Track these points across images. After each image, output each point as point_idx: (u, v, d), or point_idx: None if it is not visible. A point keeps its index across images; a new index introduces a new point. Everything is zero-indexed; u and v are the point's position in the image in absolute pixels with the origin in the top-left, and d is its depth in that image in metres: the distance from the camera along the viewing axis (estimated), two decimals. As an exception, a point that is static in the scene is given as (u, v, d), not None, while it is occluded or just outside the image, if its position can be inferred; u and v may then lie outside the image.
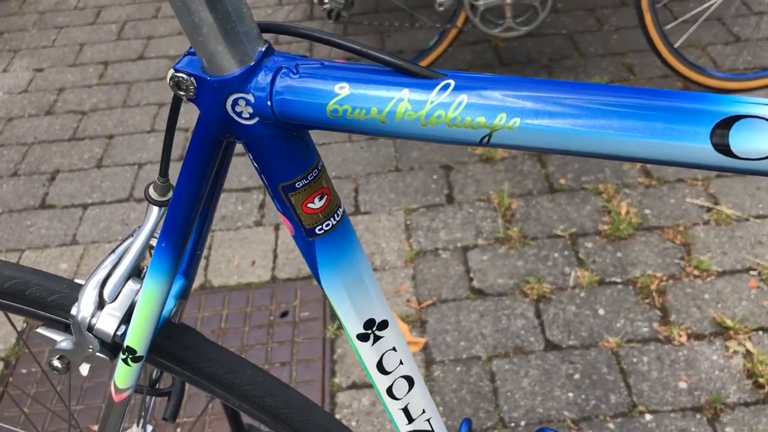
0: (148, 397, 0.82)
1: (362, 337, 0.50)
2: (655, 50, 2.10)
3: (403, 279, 1.79)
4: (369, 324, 0.50)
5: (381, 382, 0.52)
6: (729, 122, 0.33)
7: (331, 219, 0.45)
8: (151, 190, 0.55)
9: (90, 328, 0.54)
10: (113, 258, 0.56)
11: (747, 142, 0.33)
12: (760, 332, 1.55)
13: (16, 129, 2.42)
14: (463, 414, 1.48)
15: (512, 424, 1.45)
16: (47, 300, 0.57)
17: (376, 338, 0.50)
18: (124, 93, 2.53)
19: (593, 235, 1.82)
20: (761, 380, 1.45)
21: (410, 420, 0.55)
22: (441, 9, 2.14)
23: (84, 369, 0.59)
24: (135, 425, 0.91)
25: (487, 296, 1.71)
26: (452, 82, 0.36)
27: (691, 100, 0.34)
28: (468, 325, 1.65)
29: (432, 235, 1.89)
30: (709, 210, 1.85)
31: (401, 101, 0.37)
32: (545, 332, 1.61)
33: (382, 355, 0.51)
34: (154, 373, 0.78)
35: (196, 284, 1.84)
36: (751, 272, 1.68)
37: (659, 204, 1.88)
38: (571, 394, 1.49)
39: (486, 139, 0.37)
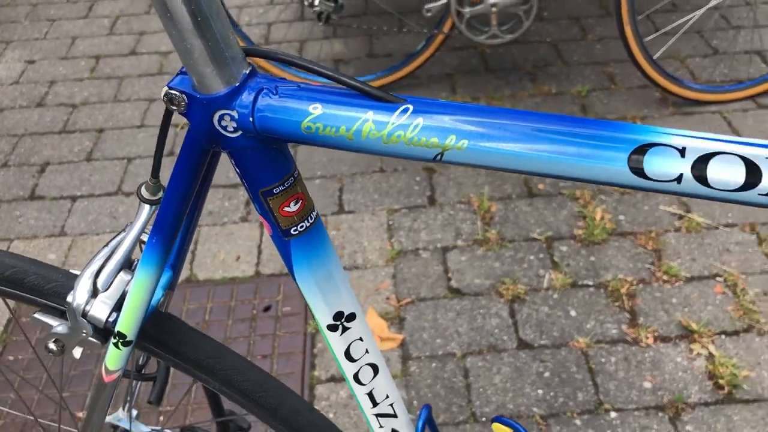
0: (134, 382, 0.87)
1: (332, 328, 0.55)
2: (635, 61, 2.17)
3: (384, 277, 1.84)
4: (338, 316, 0.55)
5: (348, 368, 0.58)
6: (644, 149, 0.39)
7: (305, 221, 0.50)
8: (143, 189, 0.60)
9: (84, 314, 0.59)
10: (107, 251, 0.61)
11: (658, 166, 0.39)
12: (723, 336, 1.62)
13: (7, 120, 2.46)
14: (438, 407, 1.54)
15: (483, 419, 1.51)
16: (45, 288, 0.62)
17: (345, 329, 0.56)
18: (115, 87, 2.57)
19: (568, 239, 1.89)
20: (721, 381, 1.52)
21: (375, 404, 0.61)
22: (428, 15, 2.19)
23: (77, 352, 0.64)
24: (121, 409, 0.96)
25: (464, 296, 1.77)
26: (410, 107, 0.42)
27: (612, 129, 0.40)
28: (444, 323, 1.71)
29: (413, 235, 1.95)
30: (680, 218, 1.92)
31: (366, 122, 0.42)
32: (518, 331, 1.67)
33: (350, 344, 0.57)
34: (141, 359, 0.83)
35: (182, 277, 1.89)
36: (718, 279, 1.75)
37: (633, 211, 1.95)
38: (540, 391, 1.55)
39: (439, 157, 0.42)
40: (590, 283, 1.77)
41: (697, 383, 1.54)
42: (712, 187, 0.38)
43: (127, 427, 0.96)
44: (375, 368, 0.59)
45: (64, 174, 2.22)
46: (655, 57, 2.17)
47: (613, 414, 1.50)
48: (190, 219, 0.63)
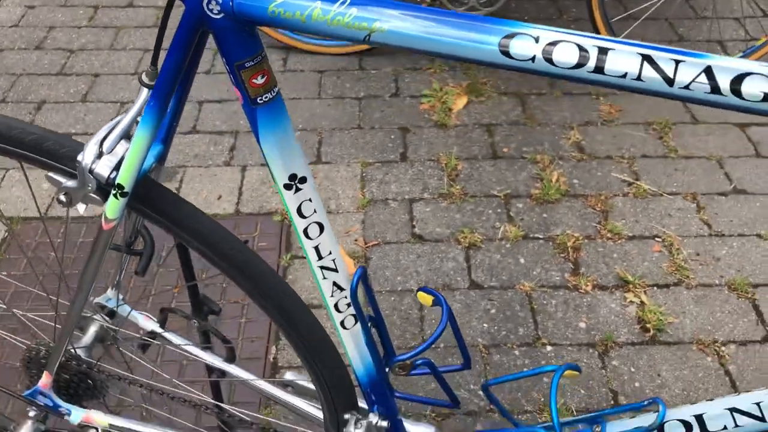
0: (123, 257, 1.02)
1: (287, 187, 0.70)
2: (601, 40, 2.32)
3: (354, 222, 2.00)
4: (292, 177, 0.70)
5: (300, 224, 0.73)
6: (510, 36, 0.54)
7: (269, 93, 0.65)
8: (143, 75, 0.74)
9: (90, 171, 0.74)
10: (111, 124, 0.76)
11: (519, 49, 0.54)
12: (655, 288, 1.80)
13: (6, 60, 2.58)
14: (394, 334, 1.70)
15: (431, 345, 1.67)
16: (59, 152, 0.77)
17: (297, 189, 0.71)
18: (111, 36, 2.70)
19: (525, 197, 2.05)
20: (648, 326, 1.70)
21: (320, 257, 0.76)
22: (411, -16, 2.33)
23: (81, 208, 0.79)
24: (110, 289, 1.12)
25: (425, 241, 1.93)
26: (348, 0, 0.57)
27: (490, 22, 0.55)
28: (406, 264, 1.88)
29: (384, 186, 2.10)
30: (630, 184, 2.09)
31: (315, 8, 0.58)
32: (471, 274, 1.84)
33: (301, 203, 0.72)
34: (130, 236, 0.98)
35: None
36: (657, 239, 1.93)
37: (587, 176, 2.12)
38: (485, 325, 1.72)
39: (367, 38, 0.58)
40: (540, 236, 1.94)
41: (626, 326, 1.71)
42: (555, 65, 0.54)
43: (114, 307, 1.12)
44: (321, 227, 0.74)
45: (60, 113, 2.35)
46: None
47: (548, 348, 1.67)
48: (178, 100, 0.78)
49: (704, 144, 2.22)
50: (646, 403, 0.85)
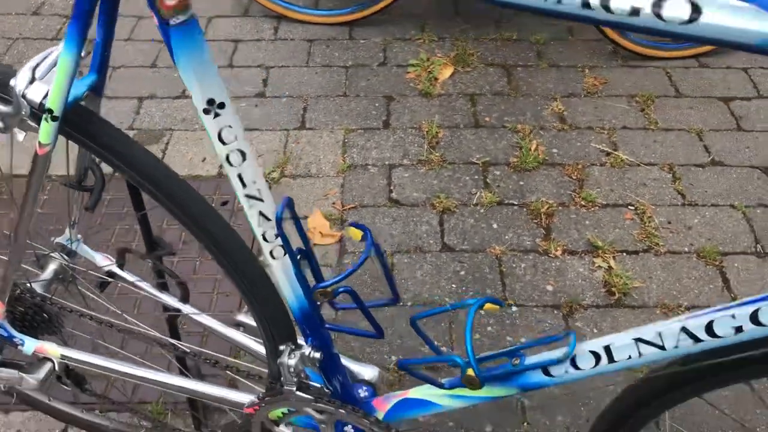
0: (75, 194, 1.06)
1: (206, 111, 0.73)
2: (587, 12, 2.32)
3: (333, 186, 2.03)
4: (210, 102, 0.73)
5: (221, 150, 0.76)
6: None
7: (182, 15, 0.68)
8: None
9: (23, 96, 0.77)
10: (46, 52, 0.80)
11: None
12: (624, 254, 1.82)
13: (2, 24, 2.62)
14: (364, 293, 1.73)
15: (400, 304, 1.71)
16: (-5, 79, 0.80)
17: (216, 114, 0.74)
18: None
19: (503, 165, 2.07)
20: (614, 290, 1.72)
21: (244, 185, 0.79)
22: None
23: (20, 136, 0.83)
24: (67, 229, 1.16)
25: (401, 205, 1.96)
26: None
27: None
28: (381, 226, 1.91)
29: (365, 152, 2.13)
30: (608, 154, 2.10)
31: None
32: (444, 237, 1.87)
33: (221, 129, 0.75)
34: (80, 172, 1.02)
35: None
36: (630, 207, 1.94)
37: (566, 146, 2.13)
38: (453, 286, 1.75)
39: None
40: (515, 202, 1.96)
41: (593, 290, 1.74)
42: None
43: (70, 245, 1.16)
44: (243, 154, 0.77)
45: (52, 76, 2.39)
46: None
47: (514, 308, 1.70)
48: (105, 29, 0.81)
49: (686, 117, 2.23)
50: (561, 335, 0.88)
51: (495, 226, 1.90)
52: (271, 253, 0.86)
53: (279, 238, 0.85)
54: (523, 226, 1.89)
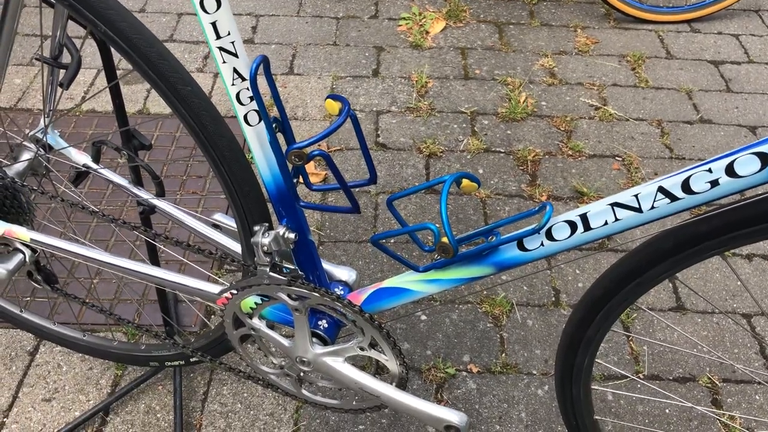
0: (53, 71, 1.04)
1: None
2: (581, -29, 2.32)
3: (319, 129, 2.01)
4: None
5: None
6: None
7: None
8: None
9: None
10: None
11: None
12: (609, 201, 1.81)
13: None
14: (347, 229, 1.72)
15: (392, 241, 1.69)
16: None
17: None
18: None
19: (491, 115, 2.06)
20: (597, 233, 1.71)
21: (218, 36, 0.78)
22: None
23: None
24: (42, 120, 1.13)
25: (387, 149, 1.95)
26: None
27: None
28: (366, 168, 1.89)
29: (353, 99, 2.12)
30: (597, 108, 2.09)
31: None
32: (429, 180, 1.85)
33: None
34: (56, 50, 1.00)
35: (134, 109, 2.05)
36: (617, 158, 1.93)
37: (555, 99, 2.12)
38: (439, 225, 1.73)
39: None
40: (502, 150, 1.95)
41: (576, 233, 1.72)
42: None
43: (48, 140, 1.13)
44: (218, 0, 0.76)
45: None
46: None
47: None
48: None
49: (676, 77, 2.22)
50: (536, 209, 0.87)
51: (481, 171, 1.89)
52: (245, 118, 0.84)
53: (254, 101, 0.83)
54: (509, 172, 1.88)
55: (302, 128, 2.01)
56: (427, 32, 2.36)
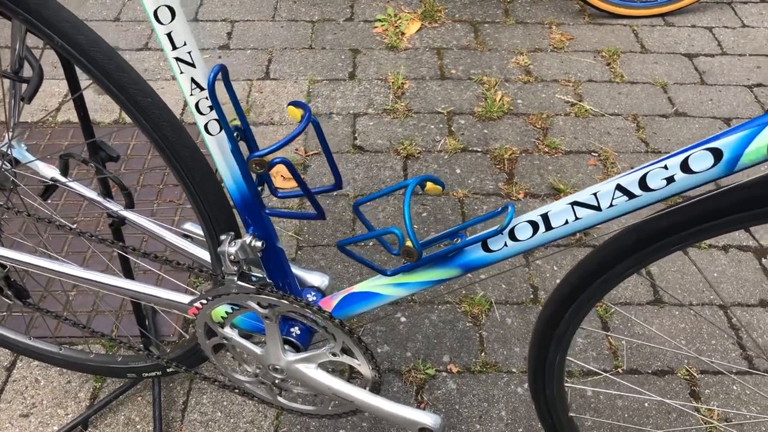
0: (15, 85, 1.03)
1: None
2: (554, -32, 2.33)
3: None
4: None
5: (149, 4, 0.74)
6: None
7: None
8: None
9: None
10: None
11: None
12: (586, 196, 1.81)
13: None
14: (325, 233, 1.72)
15: (362, 244, 1.69)
16: None
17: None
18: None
19: (468, 115, 2.06)
20: (575, 229, 1.72)
21: (174, 47, 0.77)
22: None
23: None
24: (6, 132, 1.13)
25: (365, 152, 1.95)
26: None
27: None
28: (344, 171, 1.89)
29: (329, 102, 2.12)
30: (573, 105, 2.10)
31: None
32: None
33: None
34: (16, 64, 0.99)
35: (110, 119, 2.05)
36: (593, 154, 1.94)
37: (531, 97, 2.13)
38: (416, 226, 1.74)
39: None
40: (479, 149, 1.95)
41: (554, 230, 1.73)
42: None
43: (14, 153, 1.13)
44: (172, 12, 0.75)
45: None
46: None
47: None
48: None
49: (651, 71, 2.23)
50: (499, 210, 0.87)
51: (458, 171, 1.89)
52: (206, 127, 0.84)
53: (213, 111, 0.83)
54: (486, 171, 1.89)
55: (279, 133, 2.01)
56: (403, 33, 2.36)
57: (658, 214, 0.75)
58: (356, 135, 2.00)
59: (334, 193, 1.82)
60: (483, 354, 1.47)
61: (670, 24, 2.44)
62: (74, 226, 1.01)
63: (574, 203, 0.77)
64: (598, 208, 0.75)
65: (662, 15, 2.46)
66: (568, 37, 2.36)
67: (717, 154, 0.66)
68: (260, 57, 2.27)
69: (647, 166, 0.71)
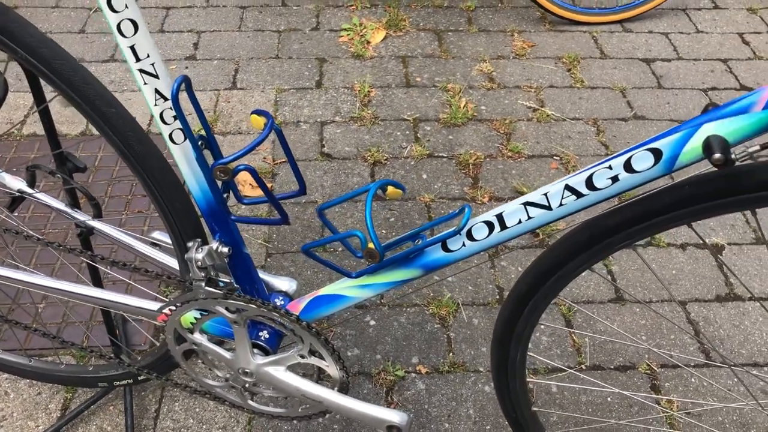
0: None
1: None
2: (514, -23, 2.38)
3: (264, 142, 2.03)
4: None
5: (112, 18, 0.76)
6: None
7: None
8: None
9: None
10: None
11: None
12: (549, 199, 1.86)
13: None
14: (294, 240, 1.74)
15: (331, 249, 1.72)
16: None
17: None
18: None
19: (433, 121, 2.10)
20: (538, 231, 1.76)
21: (137, 59, 0.80)
22: None
23: None
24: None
25: (333, 159, 1.98)
26: None
27: None
28: (312, 178, 1.91)
29: (297, 110, 2.14)
30: (535, 110, 2.15)
31: None
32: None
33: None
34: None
35: (78, 131, 2.05)
36: (555, 157, 1.99)
37: (494, 103, 2.18)
38: (384, 231, 1.77)
39: None
40: (444, 155, 1.99)
41: (518, 232, 1.77)
42: None
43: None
44: (135, 25, 0.77)
45: None
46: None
47: (441, 250, 1.72)
48: None
49: (610, 76, 2.30)
50: (457, 211, 0.90)
51: (425, 176, 1.93)
52: (170, 137, 0.86)
53: (178, 120, 0.85)
54: (451, 176, 1.93)
55: (246, 142, 2.03)
56: (368, 42, 2.40)
57: (607, 211, 0.79)
58: (324, 143, 2.03)
59: (303, 201, 1.84)
60: (451, 354, 1.51)
61: (628, 30, 2.51)
62: (42, 237, 1.02)
63: (527, 203, 0.81)
64: (549, 208, 0.79)
65: (620, 21, 2.53)
66: (529, 44, 2.42)
67: (657, 153, 0.70)
68: (227, 67, 2.29)
69: (594, 166, 0.75)
